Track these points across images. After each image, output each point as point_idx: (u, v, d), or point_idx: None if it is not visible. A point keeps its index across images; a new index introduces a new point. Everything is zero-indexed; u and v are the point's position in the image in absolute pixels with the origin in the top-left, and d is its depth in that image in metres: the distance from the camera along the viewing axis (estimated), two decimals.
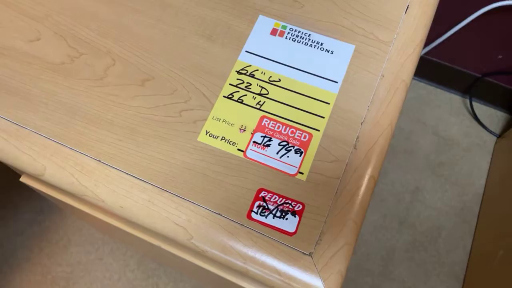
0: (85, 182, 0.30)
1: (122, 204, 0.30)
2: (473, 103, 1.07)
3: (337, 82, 0.34)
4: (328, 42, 0.35)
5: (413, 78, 1.11)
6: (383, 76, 0.34)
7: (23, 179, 0.48)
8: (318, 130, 0.32)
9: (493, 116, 1.07)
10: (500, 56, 0.95)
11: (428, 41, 0.95)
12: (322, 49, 0.35)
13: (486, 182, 1.00)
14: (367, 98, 0.33)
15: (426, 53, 0.99)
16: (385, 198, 0.98)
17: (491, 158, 1.03)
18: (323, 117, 0.33)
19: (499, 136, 1.04)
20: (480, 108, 1.07)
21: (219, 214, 0.29)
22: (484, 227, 0.94)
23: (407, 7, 0.38)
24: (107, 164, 0.31)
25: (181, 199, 0.30)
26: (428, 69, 1.05)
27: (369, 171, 0.31)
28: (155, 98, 0.33)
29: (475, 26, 0.88)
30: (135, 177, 0.30)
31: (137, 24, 0.36)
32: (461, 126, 1.06)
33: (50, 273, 0.90)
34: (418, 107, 1.08)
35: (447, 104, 1.08)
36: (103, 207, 0.30)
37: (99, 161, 0.31)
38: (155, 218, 0.29)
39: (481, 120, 1.06)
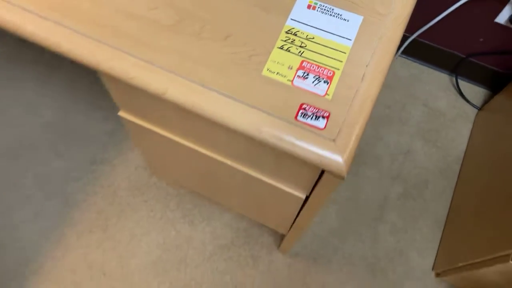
0: (193, 98, 0.49)
1: (218, 111, 0.48)
2: (459, 80, 1.26)
3: (350, 40, 0.52)
4: (345, 14, 0.54)
5: (407, 58, 1.29)
6: (381, 38, 0.53)
7: (121, 113, 0.67)
8: (339, 69, 0.50)
9: (475, 92, 1.25)
10: (481, 39, 1.13)
11: (420, 25, 1.13)
12: (341, 18, 0.53)
13: (467, 147, 1.19)
14: (371, 51, 0.52)
15: (418, 36, 1.17)
16: (381, 158, 1.17)
17: (472, 127, 1.22)
18: (342, 61, 0.51)
19: (479, 109, 1.23)
20: (464, 85, 1.26)
21: (278, 117, 0.48)
22: (462, 182, 1.13)
23: None
24: (207, 88, 0.49)
25: (255, 108, 0.48)
26: (420, 51, 1.24)
27: (370, 94, 0.49)
28: (234, 48, 0.51)
29: (461, 12, 1.06)
30: (225, 95, 0.49)
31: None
32: (447, 100, 1.25)
33: (104, 212, 1.08)
34: (411, 83, 1.26)
35: (436, 81, 1.26)
36: (204, 115, 0.49)
37: (203, 85, 0.49)
38: (238, 118, 0.48)
39: (465, 95, 1.24)
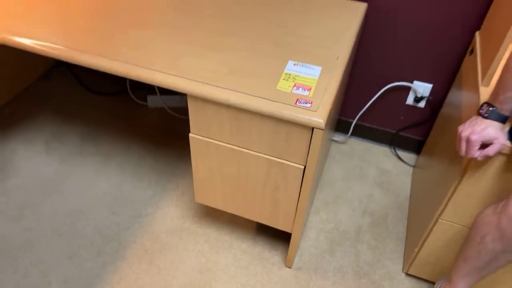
0: (245, 100, 0.97)
1: (258, 105, 0.96)
2: (396, 149, 1.79)
3: (317, 75, 1.05)
4: (313, 66, 1.08)
5: (356, 138, 1.84)
6: (331, 73, 1.06)
7: (191, 135, 1.13)
8: (313, 86, 1.02)
9: (409, 156, 1.78)
10: (402, 117, 1.71)
11: (357, 110, 1.71)
12: (311, 68, 1.07)
13: (410, 190, 1.66)
14: (328, 79, 1.04)
15: (358, 120, 1.75)
16: (352, 201, 1.60)
17: (411, 178, 1.70)
18: (314, 83, 1.03)
19: (414, 166, 1.74)
20: (400, 152, 1.79)
21: (287, 104, 0.97)
22: (412, 211, 1.55)
23: (338, 58, 1.12)
24: (251, 95, 0.98)
25: (277, 102, 0.97)
26: (364, 131, 1.80)
27: (329, 96, 1.00)
28: (259, 79, 1.03)
29: (382, 99, 1.66)
30: (261, 97, 0.98)
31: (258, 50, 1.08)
32: (391, 162, 1.76)
33: (149, 249, 1.41)
34: (364, 153, 1.79)
35: (381, 151, 1.80)
36: (251, 109, 0.97)
37: (249, 94, 0.99)
38: (270, 107, 0.96)
39: (402, 158, 1.76)
